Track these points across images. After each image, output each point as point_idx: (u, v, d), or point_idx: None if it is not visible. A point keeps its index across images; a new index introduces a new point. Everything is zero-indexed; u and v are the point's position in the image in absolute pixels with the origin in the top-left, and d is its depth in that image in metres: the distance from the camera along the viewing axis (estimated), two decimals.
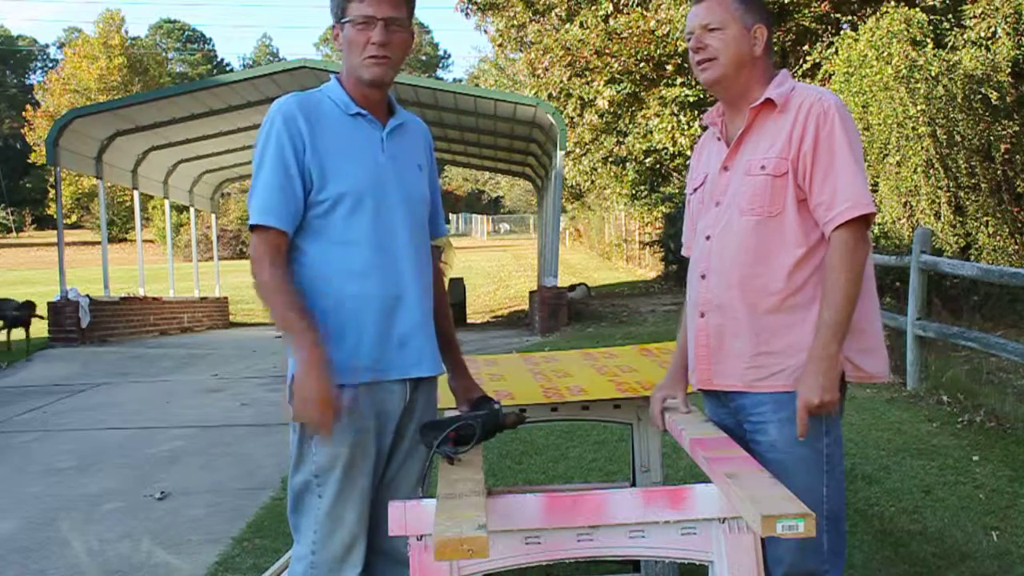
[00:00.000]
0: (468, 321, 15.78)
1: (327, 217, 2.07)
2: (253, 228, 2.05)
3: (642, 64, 13.35)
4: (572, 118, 14.48)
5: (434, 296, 2.35)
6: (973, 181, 10.12)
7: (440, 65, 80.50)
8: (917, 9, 11.18)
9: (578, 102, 14.28)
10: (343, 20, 2.09)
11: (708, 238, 2.19)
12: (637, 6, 13.41)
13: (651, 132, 13.62)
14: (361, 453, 2.07)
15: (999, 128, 10.56)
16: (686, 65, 12.25)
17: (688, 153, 13.13)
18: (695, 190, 2.31)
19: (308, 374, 1.92)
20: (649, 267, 22.50)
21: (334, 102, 2.13)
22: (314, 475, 2.06)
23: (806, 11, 12.51)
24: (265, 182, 2.04)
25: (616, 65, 13.32)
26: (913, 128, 9.93)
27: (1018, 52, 10.75)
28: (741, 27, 2.11)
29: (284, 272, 2.03)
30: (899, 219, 10.03)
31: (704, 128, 2.34)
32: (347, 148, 2.09)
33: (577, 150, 15.40)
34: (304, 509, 2.10)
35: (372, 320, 2.08)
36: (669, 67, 13.25)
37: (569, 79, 14.06)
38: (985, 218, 10.14)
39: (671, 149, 13.61)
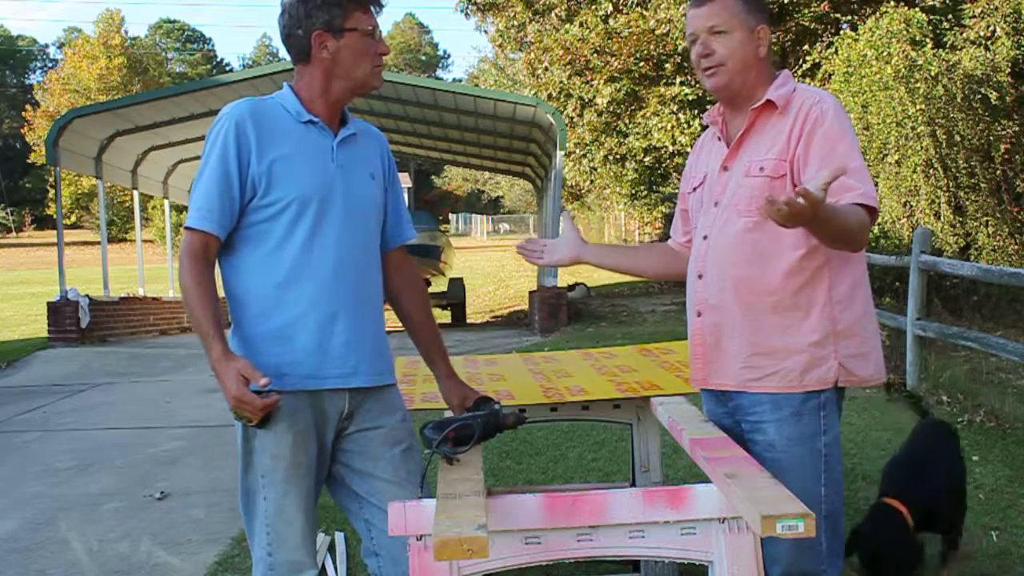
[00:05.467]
0: (468, 321, 15.78)
1: (270, 223, 2.08)
2: (188, 228, 2.07)
3: (641, 63, 13.35)
4: (572, 118, 14.47)
5: (413, 305, 2.38)
6: (973, 181, 10.12)
7: (440, 65, 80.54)
8: (917, 9, 11.18)
9: (578, 102, 14.28)
10: (343, 29, 2.09)
11: (705, 238, 2.19)
12: (636, 6, 13.41)
13: (651, 131, 13.62)
14: (302, 454, 2.10)
15: (999, 128, 10.56)
16: (685, 64, 12.26)
17: (688, 152, 13.12)
18: (694, 189, 2.31)
19: (222, 380, 1.98)
20: None
21: (286, 109, 2.14)
22: (261, 476, 2.10)
23: (806, 11, 12.51)
24: (206, 186, 2.06)
25: (616, 64, 13.32)
26: (912, 128, 9.94)
27: (1018, 52, 10.76)
28: (746, 30, 2.10)
29: (207, 278, 2.06)
30: (899, 219, 10.03)
31: (705, 126, 2.34)
32: (296, 155, 2.10)
33: (577, 150, 15.40)
34: (254, 512, 2.14)
35: (308, 328, 2.09)
36: (668, 66, 13.25)
37: (569, 78, 14.06)
38: (985, 218, 10.14)
39: (671, 148, 13.61)
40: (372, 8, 2.15)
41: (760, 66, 2.13)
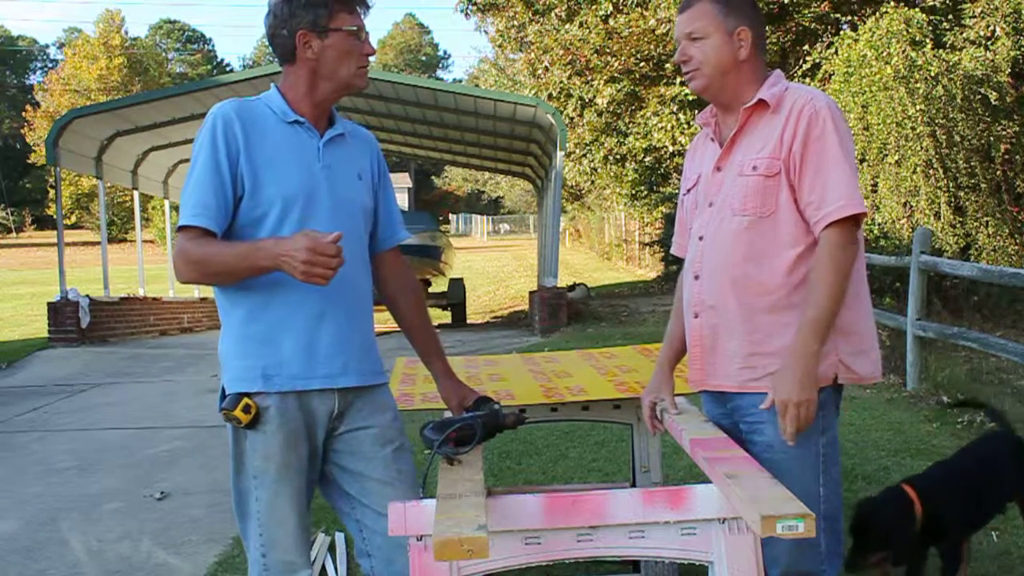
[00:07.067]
0: (468, 321, 15.77)
1: (257, 224, 2.08)
2: (183, 228, 2.05)
3: (642, 63, 13.36)
4: (572, 118, 14.48)
5: (409, 307, 2.38)
6: (973, 181, 10.12)
7: (440, 65, 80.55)
8: (917, 9, 11.18)
9: (578, 102, 14.28)
10: (328, 29, 2.09)
11: (701, 239, 2.19)
12: (636, 6, 13.41)
13: (651, 131, 13.63)
14: (293, 454, 2.10)
15: (999, 128, 10.56)
16: None
17: None
18: (688, 191, 2.31)
19: (288, 248, 1.91)
20: (649, 267, 22.50)
21: (272, 110, 2.14)
22: (252, 477, 2.11)
23: (806, 11, 12.51)
24: (199, 184, 2.05)
25: (616, 64, 13.33)
26: (912, 128, 9.93)
27: (1018, 52, 10.76)
28: (723, 34, 2.11)
29: (212, 242, 2.04)
30: (899, 219, 10.03)
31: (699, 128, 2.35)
32: (282, 155, 2.10)
33: (577, 151, 15.40)
34: (247, 513, 2.14)
35: (295, 329, 2.09)
36: (668, 66, 13.25)
37: (569, 78, 14.06)
38: (985, 218, 10.14)
39: (671, 148, 13.62)
40: (358, 8, 2.15)
41: (743, 68, 2.13)
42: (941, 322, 7.46)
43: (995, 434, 3.41)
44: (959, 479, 2.96)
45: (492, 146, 16.46)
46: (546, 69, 14.42)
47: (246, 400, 2.05)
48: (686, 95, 13.04)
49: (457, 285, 15.55)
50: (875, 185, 10.19)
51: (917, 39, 10.42)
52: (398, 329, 2.43)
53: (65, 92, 46.06)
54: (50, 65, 65.22)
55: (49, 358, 10.62)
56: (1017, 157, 10.80)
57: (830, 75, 11.40)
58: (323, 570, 3.56)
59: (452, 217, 53.64)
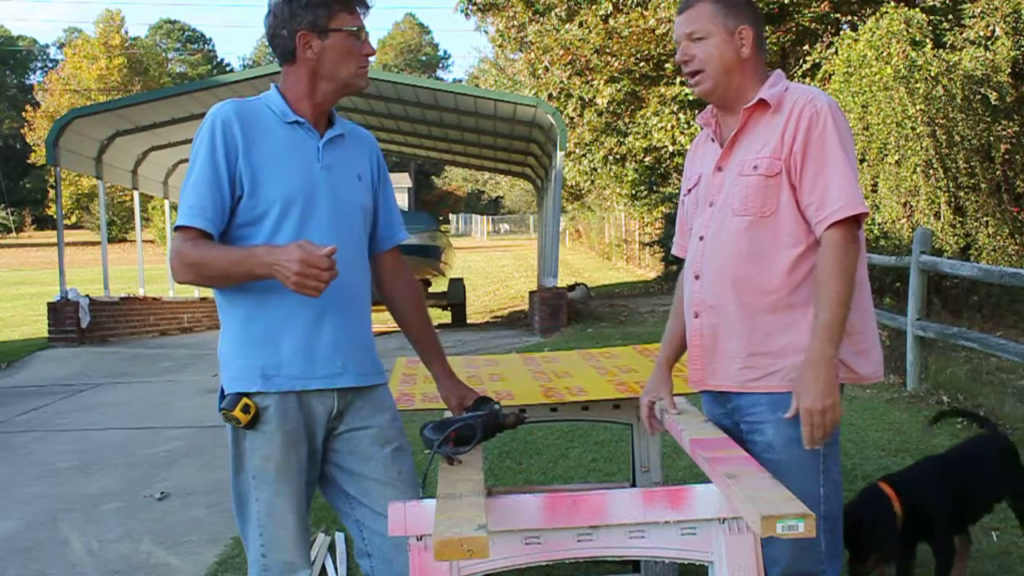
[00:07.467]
0: (468, 321, 15.77)
1: (256, 225, 2.07)
2: (179, 228, 2.05)
3: (642, 63, 13.37)
4: (572, 118, 14.48)
5: (409, 307, 2.38)
6: (973, 181, 10.13)
7: (440, 65, 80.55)
8: (917, 9, 11.19)
9: (578, 102, 14.29)
10: (328, 29, 2.09)
11: (701, 239, 2.19)
12: (636, 6, 13.41)
13: (651, 131, 13.63)
14: (292, 454, 2.10)
15: (999, 128, 10.57)
16: None
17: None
18: (689, 191, 2.31)
19: (280, 258, 1.91)
20: (649, 267, 22.49)
21: (272, 110, 2.13)
22: (252, 477, 2.11)
23: (806, 11, 12.52)
24: (196, 185, 2.05)
25: (616, 64, 13.33)
26: (912, 128, 9.94)
27: (1018, 52, 10.77)
28: (724, 33, 2.11)
29: (208, 244, 2.04)
30: (899, 219, 10.04)
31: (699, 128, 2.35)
32: (281, 156, 2.10)
33: (577, 151, 15.40)
34: (247, 514, 2.15)
35: (294, 329, 2.09)
36: (668, 66, 13.27)
37: (569, 78, 14.07)
38: (985, 218, 10.15)
39: (671, 148, 13.62)
40: (358, 9, 2.15)
41: (745, 66, 2.13)
42: (941, 322, 7.46)
43: (984, 435, 3.43)
44: (939, 475, 2.99)
45: (492, 146, 16.45)
46: (546, 69, 14.43)
47: (245, 400, 2.05)
48: (686, 95, 13.05)
49: (457, 285, 15.54)
50: (875, 185, 10.19)
51: (917, 39, 10.43)
52: (398, 329, 2.43)
53: (65, 92, 46.05)
54: (50, 65, 65.22)
55: (49, 358, 10.62)
56: (1017, 157, 10.81)
57: (830, 75, 11.40)
58: (323, 570, 3.56)
59: (452, 217, 53.64)
